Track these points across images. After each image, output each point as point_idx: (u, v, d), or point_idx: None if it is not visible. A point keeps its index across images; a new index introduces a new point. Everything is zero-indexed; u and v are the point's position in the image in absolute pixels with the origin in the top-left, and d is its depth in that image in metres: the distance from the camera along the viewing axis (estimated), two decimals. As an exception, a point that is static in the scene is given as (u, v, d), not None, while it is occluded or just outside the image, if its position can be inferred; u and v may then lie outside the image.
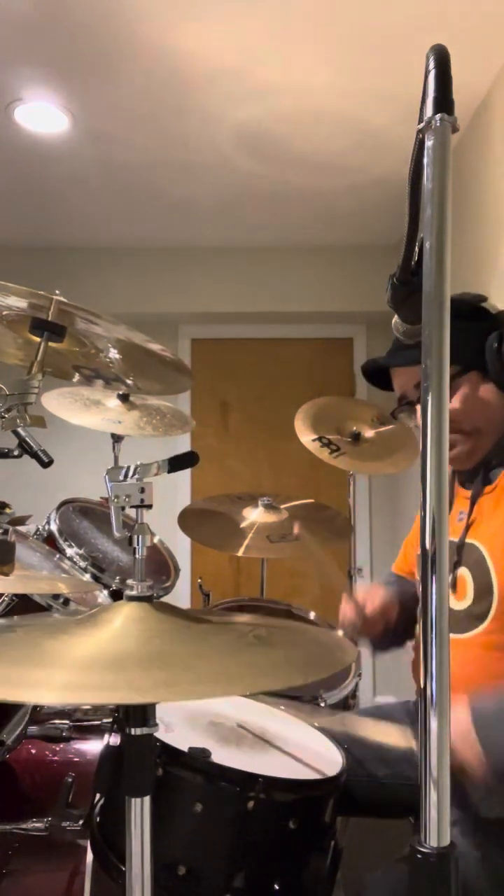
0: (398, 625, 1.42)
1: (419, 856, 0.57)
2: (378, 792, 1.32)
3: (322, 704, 1.74)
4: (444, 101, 0.61)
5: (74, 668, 0.68)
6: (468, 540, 1.24)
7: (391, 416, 1.40)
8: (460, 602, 1.22)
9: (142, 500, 0.83)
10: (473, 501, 1.27)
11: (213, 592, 2.43)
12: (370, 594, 1.42)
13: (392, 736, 1.21)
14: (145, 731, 0.77)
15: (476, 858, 1.08)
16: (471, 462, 1.29)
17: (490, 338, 1.22)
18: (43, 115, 2.62)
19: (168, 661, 0.70)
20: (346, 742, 1.20)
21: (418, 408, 1.31)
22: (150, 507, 0.84)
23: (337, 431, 2.32)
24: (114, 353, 1.25)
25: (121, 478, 0.84)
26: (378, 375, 1.39)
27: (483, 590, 1.19)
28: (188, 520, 2.28)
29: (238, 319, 4.03)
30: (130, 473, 0.84)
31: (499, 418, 1.26)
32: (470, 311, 1.26)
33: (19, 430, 1.11)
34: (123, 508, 0.84)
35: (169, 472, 0.85)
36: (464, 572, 1.23)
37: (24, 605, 1.43)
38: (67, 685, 0.65)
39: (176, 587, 2.12)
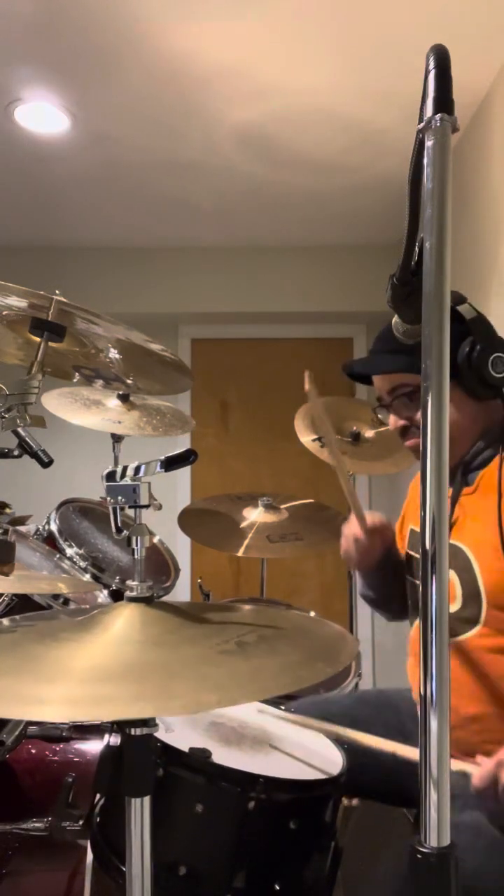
0: (395, 562, 1.43)
1: (419, 856, 0.57)
2: (378, 775, 1.31)
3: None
4: (444, 101, 0.61)
5: (75, 681, 0.67)
6: (452, 541, 1.24)
7: (372, 411, 1.42)
8: (450, 605, 1.22)
9: (136, 501, 0.83)
10: (454, 502, 1.27)
11: (213, 592, 2.43)
12: (371, 514, 1.44)
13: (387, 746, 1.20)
14: (145, 731, 0.77)
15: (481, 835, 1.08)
16: None
17: (462, 345, 1.20)
18: (43, 115, 2.62)
19: (133, 674, 0.70)
20: (346, 743, 1.20)
21: (392, 415, 1.35)
22: (147, 506, 0.83)
23: (337, 431, 2.32)
24: (114, 353, 1.25)
25: (118, 478, 0.84)
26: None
27: (471, 593, 1.20)
28: (188, 520, 2.29)
29: (238, 319, 4.02)
30: (127, 473, 0.84)
31: (470, 423, 1.26)
32: None
33: (19, 430, 1.11)
34: (122, 509, 0.84)
35: (166, 470, 0.84)
36: (451, 575, 1.23)
37: (24, 605, 1.44)
38: (69, 700, 0.65)
39: (176, 587, 2.12)
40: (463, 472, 1.28)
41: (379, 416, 1.41)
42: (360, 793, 1.33)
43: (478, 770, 1.06)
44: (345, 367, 1.40)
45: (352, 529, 1.44)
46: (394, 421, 1.34)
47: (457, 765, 1.08)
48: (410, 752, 1.10)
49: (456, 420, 1.25)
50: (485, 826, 1.09)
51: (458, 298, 1.26)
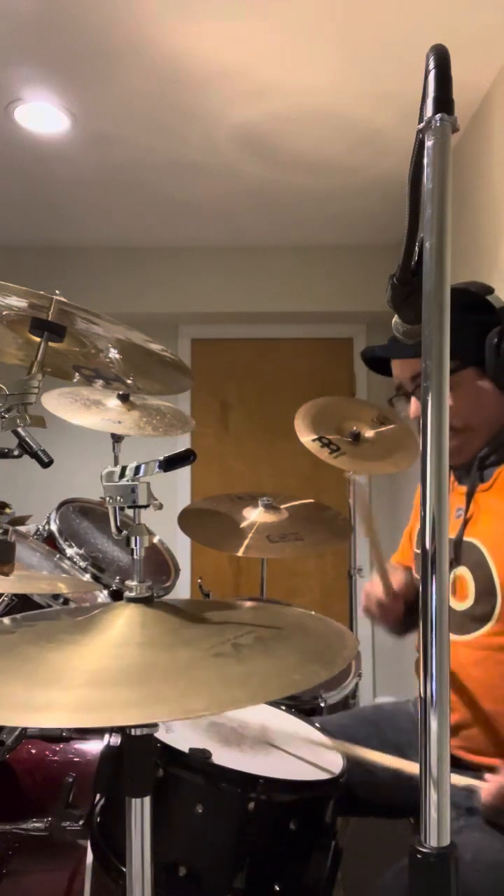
0: (414, 605, 1.42)
1: (419, 856, 0.57)
2: (378, 792, 1.32)
3: (322, 705, 1.74)
4: (444, 101, 0.61)
5: (69, 687, 0.67)
6: (466, 538, 1.24)
7: (388, 402, 1.40)
8: (461, 603, 1.21)
9: (135, 501, 0.83)
10: (469, 497, 1.26)
11: (213, 592, 2.43)
12: (393, 572, 1.42)
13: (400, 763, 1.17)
14: (145, 731, 0.77)
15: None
16: (459, 458, 1.27)
17: (490, 334, 1.20)
18: (43, 115, 2.62)
19: (127, 678, 0.69)
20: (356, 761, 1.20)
21: (413, 400, 1.31)
22: (146, 506, 0.83)
23: (337, 431, 2.31)
24: (114, 353, 1.25)
25: (117, 478, 0.84)
26: (378, 361, 1.38)
27: (485, 590, 1.18)
28: (188, 520, 2.28)
29: (238, 319, 4.02)
30: (127, 473, 0.84)
31: (493, 415, 1.25)
32: (474, 303, 1.23)
33: (19, 430, 1.11)
34: (122, 509, 0.84)
35: (165, 470, 0.84)
36: (463, 572, 1.22)
37: (24, 605, 1.44)
38: (63, 706, 0.65)
39: (176, 587, 2.12)
40: (479, 466, 1.26)
41: (395, 406, 1.38)
42: (358, 811, 1.33)
43: (486, 786, 1.05)
44: (365, 352, 1.38)
45: (375, 590, 1.41)
46: (414, 409, 1.30)
47: (463, 780, 1.07)
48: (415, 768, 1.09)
49: (483, 412, 1.24)
50: (486, 846, 1.08)
51: (486, 289, 1.26)
